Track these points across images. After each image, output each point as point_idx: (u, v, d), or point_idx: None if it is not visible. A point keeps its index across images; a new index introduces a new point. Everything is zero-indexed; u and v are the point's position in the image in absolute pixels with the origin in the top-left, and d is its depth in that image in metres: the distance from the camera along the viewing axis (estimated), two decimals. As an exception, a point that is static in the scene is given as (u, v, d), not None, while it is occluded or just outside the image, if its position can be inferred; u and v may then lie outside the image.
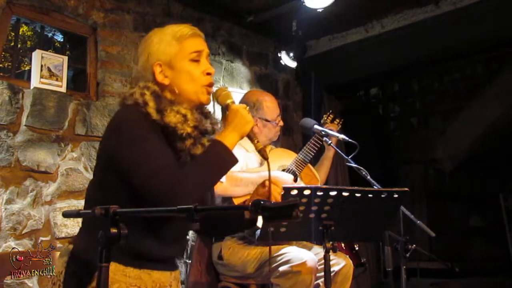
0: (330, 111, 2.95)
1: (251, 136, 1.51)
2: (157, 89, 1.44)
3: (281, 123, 2.77)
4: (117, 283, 1.33)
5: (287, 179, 2.51)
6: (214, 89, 1.56)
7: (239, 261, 2.39)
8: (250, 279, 2.45)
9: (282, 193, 1.61)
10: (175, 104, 1.43)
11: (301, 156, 2.65)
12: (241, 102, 2.77)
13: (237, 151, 2.16)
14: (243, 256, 2.39)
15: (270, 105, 2.72)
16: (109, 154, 1.39)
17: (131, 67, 3.29)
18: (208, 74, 1.51)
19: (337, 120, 2.84)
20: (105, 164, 1.41)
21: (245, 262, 2.39)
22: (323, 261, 1.84)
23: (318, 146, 2.68)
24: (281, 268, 2.24)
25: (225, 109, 1.55)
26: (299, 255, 2.25)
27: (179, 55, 1.48)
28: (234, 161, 1.43)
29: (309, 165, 2.69)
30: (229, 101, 1.54)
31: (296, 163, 2.63)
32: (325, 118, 2.82)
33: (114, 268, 1.31)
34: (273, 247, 2.35)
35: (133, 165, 1.32)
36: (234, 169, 2.05)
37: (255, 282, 2.46)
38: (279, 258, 2.29)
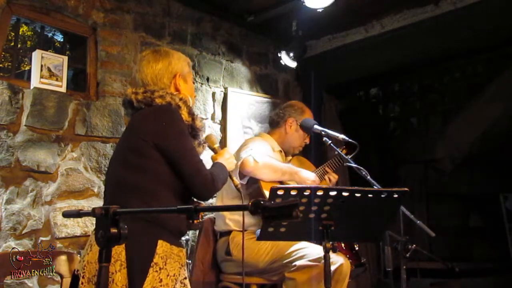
0: (344, 146, 2.73)
1: (230, 175, 1.96)
2: (182, 97, 1.81)
3: (307, 141, 2.88)
4: (169, 258, 1.63)
5: (310, 177, 2.63)
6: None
7: (249, 257, 2.40)
8: (253, 277, 2.48)
9: (282, 193, 1.65)
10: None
11: (318, 173, 2.73)
12: (286, 106, 2.89)
13: (264, 147, 2.63)
14: (253, 252, 2.42)
15: (308, 118, 2.84)
16: (156, 142, 1.67)
17: (131, 67, 3.29)
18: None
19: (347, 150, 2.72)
20: (147, 149, 1.67)
21: (256, 257, 2.41)
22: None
23: (337, 167, 2.76)
24: (298, 262, 2.32)
25: (212, 150, 2.02)
26: (316, 250, 2.33)
27: (188, 74, 1.95)
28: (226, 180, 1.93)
29: (324, 181, 2.76)
30: (216, 145, 2.04)
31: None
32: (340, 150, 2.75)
33: (165, 246, 1.62)
34: (283, 243, 2.39)
35: (183, 155, 1.69)
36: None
37: (264, 278, 2.48)
38: (295, 253, 2.37)
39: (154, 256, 1.58)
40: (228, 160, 1.96)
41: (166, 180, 1.67)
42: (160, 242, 1.60)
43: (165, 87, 1.84)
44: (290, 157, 2.90)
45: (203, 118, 1.92)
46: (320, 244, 2.36)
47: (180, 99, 1.78)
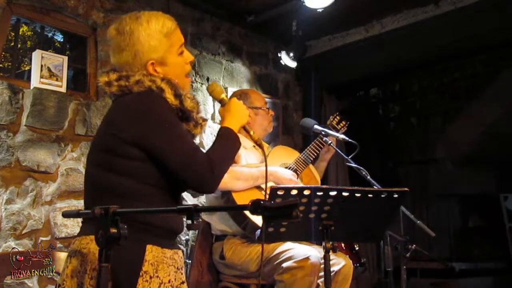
0: (337, 113, 2.92)
1: (246, 128, 1.68)
2: (164, 77, 1.50)
3: (272, 112, 2.81)
4: (161, 263, 1.41)
5: (287, 175, 2.52)
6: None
7: (241, 260, 2.39)
8: (252, 279, 2.46)
9: (282, 193, 1.64)
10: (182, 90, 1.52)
11: (303, 156, 2.66)
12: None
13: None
14: (245, 255, 2.40)
15: (255, 95, 2.81)
16: (134, 138, 1.39)
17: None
18: (189, 63, 1.62)
19: (343, 123, 2.81)
20: (123, 148, 1.40)
21: (247, 261, 2.40)
22: (323, 260, 1.84)
23: (321, 147, 2.69)
24: (285, 264, 2.27)
25: (220, 102, 1.71)
26: (302, 251, 2.28)
27: (169, 51, 1.55)
28: (240, 145, 1.60)
29: (310, 165, 2.70)
30: (223, 95, 1.71)
31: (298, 163, 2.64)
32: (331, 120, 2.81)
33: (156, 251, 1.40)
34: (271, 245, 2.36)
35: (168, 147, 1.40)
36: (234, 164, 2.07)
37: (257, 281, 2.46)
38: (282, 255, 2.31)
39: (143, 264, 1.36)
40: (236, 114, 1.63)
41: (152, 180, 1.41)
42: (149, 247, 1.38)
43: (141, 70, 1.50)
44: (267, 146, 2.81)
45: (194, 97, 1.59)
46: (320, 244, 2.36)
47: (162, 80, 1.47)
